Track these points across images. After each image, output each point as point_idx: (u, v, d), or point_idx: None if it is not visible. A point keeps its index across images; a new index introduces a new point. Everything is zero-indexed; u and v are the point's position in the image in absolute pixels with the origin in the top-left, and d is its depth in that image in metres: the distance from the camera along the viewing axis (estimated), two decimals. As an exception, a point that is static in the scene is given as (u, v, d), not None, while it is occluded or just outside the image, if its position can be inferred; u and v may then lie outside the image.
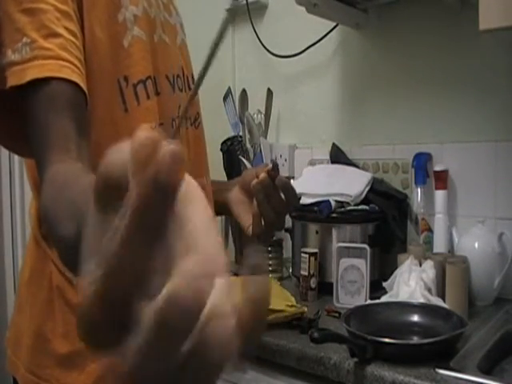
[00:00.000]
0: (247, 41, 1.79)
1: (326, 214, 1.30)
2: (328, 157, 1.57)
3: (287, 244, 1.52)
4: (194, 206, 0.24)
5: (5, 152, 1.91)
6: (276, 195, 0.73)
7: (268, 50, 1.69)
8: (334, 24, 1.54)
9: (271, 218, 0.73)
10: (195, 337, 0.21)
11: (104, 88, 0.65)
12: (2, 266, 1.95)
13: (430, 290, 1.09)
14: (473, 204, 1.33)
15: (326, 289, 1.27)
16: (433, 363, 0.85)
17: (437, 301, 1.07)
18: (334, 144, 1.56)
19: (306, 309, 1.11)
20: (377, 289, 1.20)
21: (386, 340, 0.88)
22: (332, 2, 1.37)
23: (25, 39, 0.55)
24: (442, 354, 0.89)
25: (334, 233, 1.32)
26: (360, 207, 1.34)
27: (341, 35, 1.58)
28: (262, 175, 0.73)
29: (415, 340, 0.97)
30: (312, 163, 1.61)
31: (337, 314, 1.12)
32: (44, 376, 0.65)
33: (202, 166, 0.82)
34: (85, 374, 0.63)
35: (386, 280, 1.18)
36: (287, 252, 1.52)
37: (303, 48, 1.60)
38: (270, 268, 1.49)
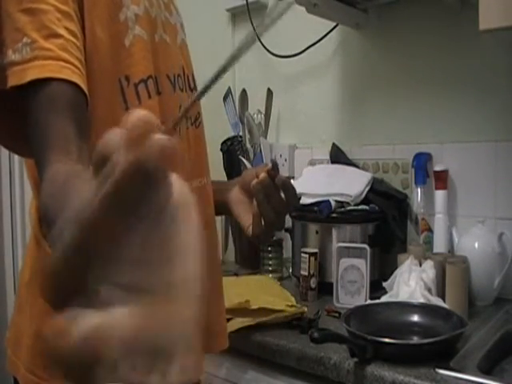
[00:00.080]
0: (247, 41, 1.79)
1: (325, 214, 1.30)
2: (328, 157, 1.57)
3: (287, 244, 1.52)
4: (186, 223, 0.25)
5: (5, 152, 1.91)
6: (276, 195, 0.73)
7: (268, 50, 1.69)
8: (334, 24, 1.54)
9: (271, 218, 0.74)
10: None
11: (105, 88, 0.65)
12: (2, 266, 1.95)
13: (430, 290, 1.09)
14: (473, 204, 1.33)
15: (326, 289, 1.27)
16: (433, 363, 0.85)
17: (437, 301, 1.07)
18: (333, 144, 1.56)
19: (305, 309, 1.11)
20: (377, 289, 1.20)
21: (386, 340, 0.88)
22: (332, 1, 1.37)
23: (25, 39, 0.55)
24: (442, 353, 0.89)
25: (334, 233, 1.32)
26: (360, 207, 1.34)
27: (341, 35, 1.58)
28: (262, 175, 0.73)
29: (415, 340, 0.97)
30: (312, 163, 1.61)
31: (337, 314, 1.12)
32: (45, 376, 0.65)
33: (202, 165, 0.82)
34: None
35: (386, 280, 1.18)
36: (287, 252, 1.52)
37: (303, 48, 1.60)
38: (270, 268, 1.49)
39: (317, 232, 1.35)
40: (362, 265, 1.21)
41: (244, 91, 1.69)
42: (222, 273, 0.87)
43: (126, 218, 0.22)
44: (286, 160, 1.68)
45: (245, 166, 1.58)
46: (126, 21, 0.66)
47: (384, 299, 1.12)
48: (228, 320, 0.93)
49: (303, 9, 1.35)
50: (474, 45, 1.32)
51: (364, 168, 1.50)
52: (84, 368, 0.21)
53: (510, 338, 1.02)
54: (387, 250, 1.35)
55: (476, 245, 1.21)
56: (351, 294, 1.22)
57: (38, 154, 0.53)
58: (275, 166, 0.74)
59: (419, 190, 1.35)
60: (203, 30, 1.79)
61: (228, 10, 1.84)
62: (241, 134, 1.66)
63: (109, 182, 0.21)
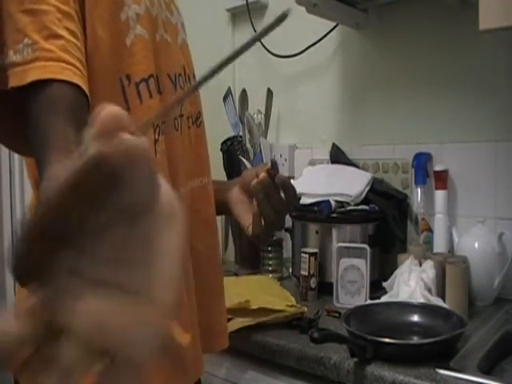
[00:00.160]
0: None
1: (325, 213, 1.30)
2: (328, 157, 1.57)
3: (287, 244, 1.52)
4: (168, 229, 0.26)
5: (5, 151, 1.91)
6: (276, 195, 0.73)
7: (268, 50, 1.69)
8: (334, 24, 1.54)
9: (271, 218, 0.74)
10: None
11: (106, 87, 0.65)
12: (1, 266, 1.95)
13: (430, 290, 1.09)
14: (473, 204, 1.33)
15: (326, 289, 1.27)
16: (433, 363, 0.85)
17: (437, 301, 1.07)
18: (333, 144, 1.56)
19: (305, 309, 1.11)
20: (377, 289, 1.20)
21: (386, 340, 0.88)
22: (332, 1, 1.37)
23: (26, 40, 0.55)
24: (442, 354, 0.89)
25: (334, 233, 1.32)
26: (360, 207, 1.34)
27: (341, 35, 1.58)
28: (262, 175, 0.74)
29: (415, 340, 0.97)
30: (312, 163, 1.61)
31: (337, 314, 1.12)
32: None
33: (203, 165, 0.82)
34: (86, 374, 0.63)
35: (386, 280, 1.18)
36: (287, 252, 1.52)
37: (303, 48, 1.60)
38: (270, 268, 1.49)
39: (317, 232, 1.35)
40: (362, 265, 1.21)
41: (244, 91, 1.69)
42: (222, 273, 0.86)
43: (89, 210, 0.22)
44: (286, 160, 1.68)
45: (245, 165, 1.58)
46: (127, 20, 0.66)
47: (384, 299, 1.12)
48: (228, 320, 0.93)
49: (303, 9, 1.35)
50: (474, 45, 1.32)
51: (364, 168, 1.50)
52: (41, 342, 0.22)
53: (510, 338, 1.02)
54: (387, 250, 1.35)
55: (476, 245, 1.21)
56: (351, 294, 1.22)
57: (38, 155, 0.53)
58: (275, 165, 0.74)
59: (419, 189, 1.35)
60: (203, 29, 1.79)
61: (228, 10, 1.85)
62: (241, 133, 1.66)
63: (70, 170, 0.22)
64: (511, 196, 1.27)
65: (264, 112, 1.66)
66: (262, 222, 0.75)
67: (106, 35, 0.64)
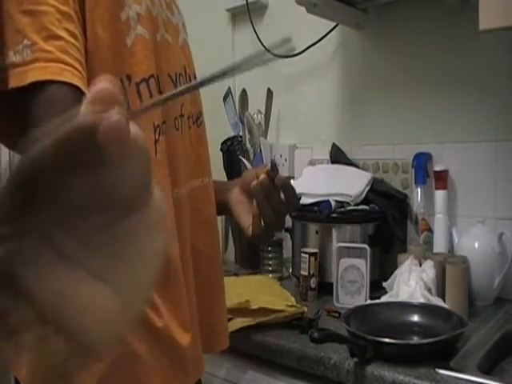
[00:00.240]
0: (247, 41, 1.79)
1: (325, 213, 1.30)
2: (328, 157, 1.57)
3: (287, 244, 1.52)
4: (154, 240, 0.26)
5: (5, 150, 1.91)
6: (275, 196, 0.74)
7: (268, 50, 1.68)
8: (334, 24, 1.54)
9: (271, 219, 0.74)
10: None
11: None
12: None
13: (430, 290, 1.09)
14: (473, 204, 1.33)
15: (326, 289, 1.27)
16: (433, 363, 0.85)
17: (437, 301, 1.07)
18: (333, 144, 1.56)
19: (305, 309, 1.11)
20: (377, 289, 1.20)
21: (386, 340, 0.88)
22: (332, 1, 1.37)
23: (25, 41, 0.55)
24: (442, 354, 0.89)
25: (334, 233, 1.32)
26: (360, 207, 1.34)
27: (341, 35, 1.58)
28: (262, 176, 0.74)
29: (415, 340, 0.97)
30: (312, 163, 1.61)
31: (337, 314, 1.12)
32: None
33: (204, 165, 0.82)
34: (87, 374, 0.64)
35: (386, 280, 1.18)
36: (287, 252, 1.52)
37: (303, 48, 1.60)
38: (270, 268, 1.49)
39: (317, 232, 1.35)
40: (362, 265, 1.21)
41: (244, 91, 1.69)
42: (223, 273, 0.87)
43: (71, 177, 0.22)
44: (286, 160, 1.68)
45: (245, 166, 1.58)
46: (127, 20, 0.66)
47: (384, 299, 1.12)
48: (228, 320, 0.93)
49: (303, 9, 1.35)
50: (474, 45, 1.32)
51: (364, 168, 1.50)
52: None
53: (510, 338, 1.02)
54: (387, 249, 1.35)
55: (476, 245, 1.21)
56: (351, 294, 1.22)
57: None
58: (274, 166, 0.75)
59: (419, 189, 1.35)
60: (203, 29, 1.79)
61: (228, 10, 1.84)
62: (241, 133, 1.66)
63: (57, 130, 0.22)
64: (511, 196, 1.27)
65: (264, 112, 1.66)
66: (262, 223, 0.75)
67: (106, 35, 0.64)
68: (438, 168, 1.33)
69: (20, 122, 0.58)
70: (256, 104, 1.67)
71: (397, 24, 1.47)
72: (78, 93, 0.56)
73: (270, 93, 1.66)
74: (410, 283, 1.10)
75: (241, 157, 1.61)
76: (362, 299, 1.20)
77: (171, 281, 0.70)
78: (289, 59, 1.64)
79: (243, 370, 1.08)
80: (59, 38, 0.57)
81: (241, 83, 1.77)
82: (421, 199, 1.34)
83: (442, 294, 1.10)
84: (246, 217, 0.79)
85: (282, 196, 0.74)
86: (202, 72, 0.82)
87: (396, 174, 1.46)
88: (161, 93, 0.71)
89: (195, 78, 0.82)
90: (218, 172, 1.47)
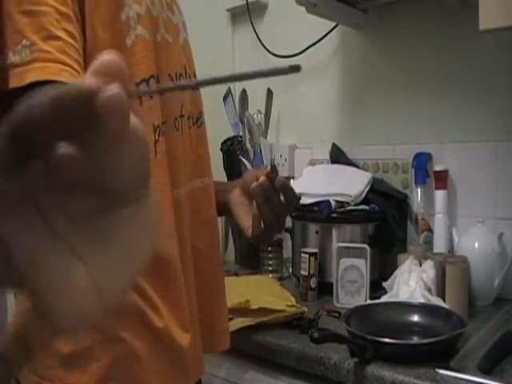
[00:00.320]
0: (247, 41, 1.79)
1: (325, 213, 1.30)
2: (328, 157, 1.57)
3: (287, 244, 1.52)
4: (146, 239, 0.26)
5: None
6: (275, 198, 0.74)
7: (268, 50, 1.69)
8: (334, 24, 1.54)
9: (270, 220, 0.74)
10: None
11: None
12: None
13: (430, 290, 1.09)
14: (473, 204, 1.33)
15: (326, 289, 1.27)
16: (433, 363, 0.85)
17: (437, 301, 1.07)
18: (333, 144, 1.56)
19: (305, 309, 1.11)
20: (377, 289, 1.20)
21: (386, 340, 0.88)
22: (332, 1, 1.37)
23: (24, 41, 0.55)
24: (442, 354, 0.89)
25: (334, 233, 1.32)
26: (360, 207, 1.34)
27: (341, 35, 1.58)
28: (262, 178, 0.74)
29: (415, 340, 0.97)
30: (312, 163, 1.61)
31: (337, 314, 1.12)
32: (47, 376, 0.65)
33: (204, 165, 0.82)
34: (88, 373, 0.64)
35: (386, 280, 1.18)
36: (287, 252, 1.52)
37: (303, 48, 1.60)
38: (270, 268, 1.49)
39: (317, 232, 1.35)
40: (362, 265, 1.21)
41: (244, 91, 1.69)
42: (223, 273, 0.87)
43: (64, 137, 0.22)
44: (286, 160, 1.68)
45: (245, 166, 1.58)
46: (127, 20, 0.66)
47: (384, 299, 1.12)
48: (228, 320, 0.93)
49: (303, 9, 1.34)
50: (474, 45, 1.32)
51: (364, 168, 1.50)
52: None
53: (510, 338, 1.02)
54: (387, 250, 1.35)
55: (476, 245, 1.21)
56: (351, 294, 1.22)
57: None
58: (274, 168, 0.75)
59: (419, 189, 1.35)
60: (203, 29, 1.79)
61: (228, 10, 1.84)
62: (241, 133, 1.66)
63: (56, 91, 0.22)
64: (511, 196, 1.27)
65: (264, 112, 1.66)
66: (262, 225, 0.75)
67: (106, 35, 0.64)
68: (437, 168, 1.33)
69: None
70: (256, 104, 1.67)
71: (397, 24, 1.47)
72: None
73: (269, 93, 1.66)
74: (410, 283, 1.10)
75: (241, 157, 1.61)
76: (362, 299, 1.20)
77: (171, 281, 0.70)
78: (289, 59, 1.65)
79: (243, 370, 1.08)
80: (58, 38, 0.57)
81: (241, 83, 1.77)
82: (421, 199, 1.34)
83: (442, 294, 1.10)
84: (246, 218, 0.79)
85: (282, 198, 0.74)
86: (202, 72, 0.82)
87: (396, 174, 1.46)
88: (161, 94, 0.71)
89: (195, 77, 0.82)
90: (218, 172, 1.47)
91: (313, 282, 1.27)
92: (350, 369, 0.88)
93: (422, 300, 1.06)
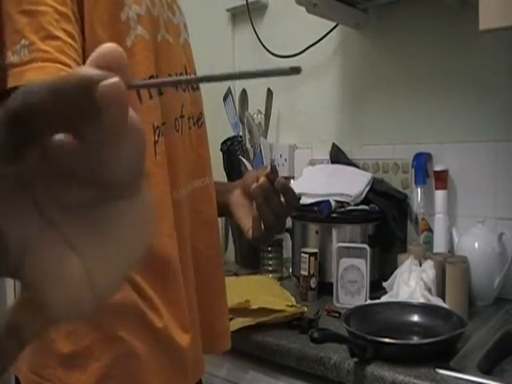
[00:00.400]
0: (247, 41, 1.79)
1: (325, 213, 1.30)
2: (328, 157, 1.57)
3: (287, 244, 1.52)
4: (141, 235, 0.26)
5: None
6: (275, 199, 0.74)
7: (268, 50, 1.69)
8: (334, 24, 1.54)
9: (271, 221, 0.74)
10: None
11: None
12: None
13: (430, 290, 1.09)
14: (473, 204, 1.33)
15: (326, 289, 1.27)
16: (433, 363, 0.85)
17: (437, 301, 1.07)
18: (333, 144, 1.56)
19: (305, 309, 1.11)
20: (377, 289, 1.20)
21: (386, 340, 0.88)
22: (332, 1, 1.37)
23: (23, 41, 0.55)
24: (442, 354, 0.89)
25: (334, 233, 1.32)
26: (360, 207, 1.34)
27: (341, 35, 1.58)
28: (262, 179, 0.74)
29: (415, 340, 0.97)
30: (312, 163, 1.61)
31: (337, 314, 1.12)
32: (47, 376, 0.65)
33: (204, 165, 0.82)
34: (87, 373, 0.64)
35: (386, 280, 1.18)
36: (287, 252, 1.52)
37: (303, 48, 1.60)
38: (270, 268, 1.49)
39: (317, 232, 1.35)
40: (362, 265, 1.21)
41: (244, 91, 1.69)
42: (224, 273, 0.86)
43: (62, 126, 0.22)
44: (286, 160, 1.68)
45: (245, 166, 1.58)
46: (127, 20, 0.66)
47: (384, 299, 1.12)
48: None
49: (303, 9, 1.34)
50: (474, 45, 1.32)
51: (364, 168, 1.50)
52: None
53: (510, 338, 1.02)
54: (387, 250, 1.35)
55: (476, 245, 1.21)
56: (351, 294, 1.22)
57: None
58: (274, 169, 0.75)
59: (419, 189, 1.35)
60: (203, 29, 1.79)
61: (228, 10, 1.85)
62: (241, 133, 1.66)
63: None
64: (511, 196, 1.27)
65: (264, 112, 1.66)
66: (262, 226, 0.75)
67: (105, 35, 0.64)
68: (437, 168, 1.33)
69: None
70: (256, 104, 1.67)
71: (397, 24, 1.47)
72: None
73: (269, 93, 1.66)
74: (410, 283, 1.10)
75: (241, 157, 1.61)
76: (362, 299, 1.20)
77: (170, 281, 0.70)
78: (289, 59, 1.65)
79: (244, 370, 1.08)
80: (57, 38, 0.57)
81: (241, 83, 1.77)
82: (421, 199, 1.34)
83: (442, 294, 1.10)
84: (246, 219, 0.79)
85: (282, 199, 0.75)
86: (202, 72, 0.82)
87: (396, 174, 1.46)
88: (161, 93, 0.71)
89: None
90: (218, 172, 1.47)
91: (313, 282, 1.27)
92: (349, 369, 0.88)
93: (422, 300, 1.06)
